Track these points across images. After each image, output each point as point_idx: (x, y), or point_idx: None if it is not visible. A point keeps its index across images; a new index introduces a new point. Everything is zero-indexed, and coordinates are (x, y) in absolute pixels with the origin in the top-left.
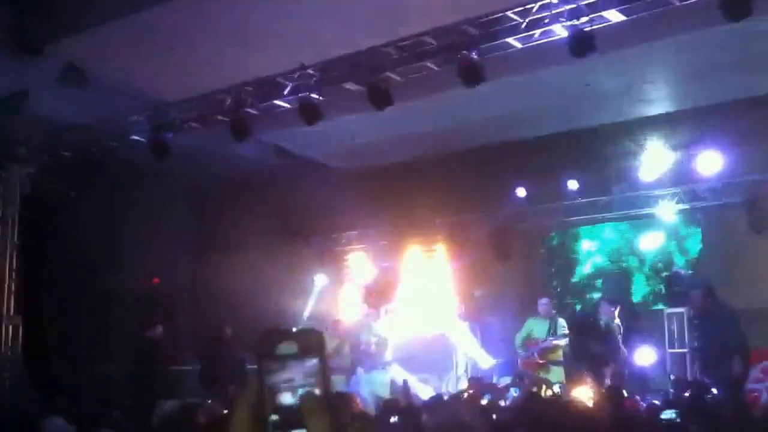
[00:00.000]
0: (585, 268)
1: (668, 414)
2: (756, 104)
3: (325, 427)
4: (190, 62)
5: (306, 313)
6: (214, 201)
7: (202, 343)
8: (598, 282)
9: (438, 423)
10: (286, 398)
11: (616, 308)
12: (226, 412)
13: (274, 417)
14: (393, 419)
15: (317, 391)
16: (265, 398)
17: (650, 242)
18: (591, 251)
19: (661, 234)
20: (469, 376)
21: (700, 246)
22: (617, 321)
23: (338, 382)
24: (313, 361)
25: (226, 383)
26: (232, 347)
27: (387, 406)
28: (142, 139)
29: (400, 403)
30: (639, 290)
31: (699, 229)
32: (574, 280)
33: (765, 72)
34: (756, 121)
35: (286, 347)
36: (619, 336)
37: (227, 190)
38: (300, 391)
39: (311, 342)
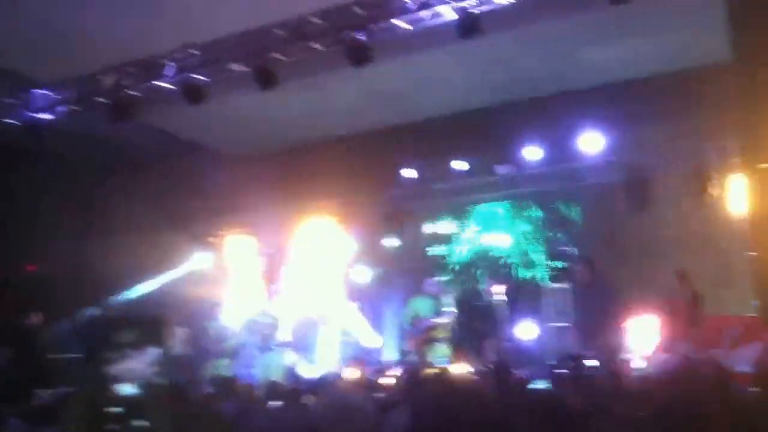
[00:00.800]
0: (472, 247)
1: (540, 384)
2: (635, 87)
3: (168, 418)
4: (68, 40)
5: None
6: (97, 185)
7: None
8: (485, 260)
9: (324, 404)
10: (127, 389)
11: (500, 286)
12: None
13: (116, 409)
14: (276, 403)
15: (160, 381)
16: (103, 389)
17: (534, 220)
18: (478, 231)
19: (543, 211)
20: (355, 356)
21: (581, 223)
22: (503, 298)
23: (224, 366)
24: (155, 351)
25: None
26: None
27: (270, 391)
28: (17, 122)
29: (284, 386)
30: (522, 266)
31: (579, 209)
32: (462, 259)
33: (644, 56)
34: (635, 104)
35: (124, 336)
36: (505, 312)
37: (111, 173)
38: (141, 382)
39: (150, 331)
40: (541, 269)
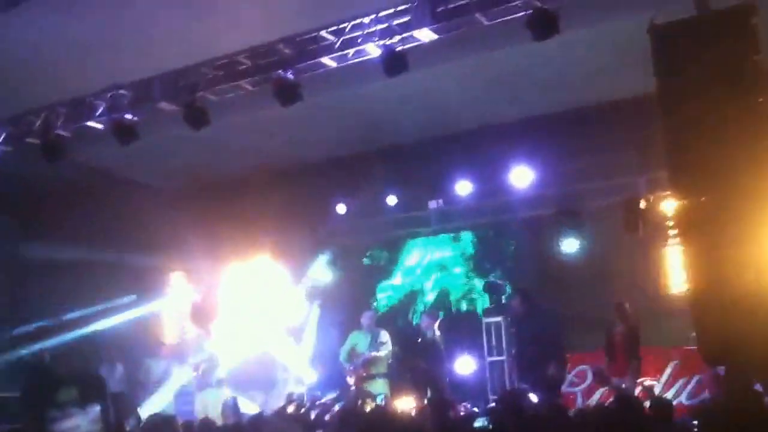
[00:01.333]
0: (406, 281)
1: (480, 422)
2: (565, 118)
3: None
4: None
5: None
6: (31, 221)
7: (21, 371)
8: (420, 294)
9: None
10: None
11: (436, 320)
12: None
13: None
14: None
15: None
16: None
17: (467, 253)
18: (412, 265)
19: (476, 245)
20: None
21: (513, 255)
22: (438, 333)
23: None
24: (96, 408)
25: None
26: (49, 375)
27: (203, 427)
28: None
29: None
30: (458, 301)
31: (512, 240)
32: (397, 293)
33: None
34: (565, 136)
35: (66, 393)
36: (442, 347)
37: (45, 210)
38: None
39: (92, 387)
40: (475, 302)
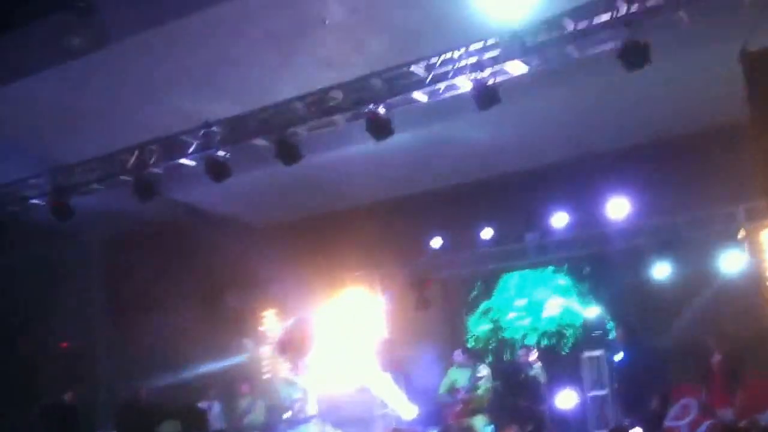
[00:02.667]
0: (502, 315)
1: None
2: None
3: None
4: (92, 122)
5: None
6: (125, 261)
7: (117, 407)
8: (516, 329)
9: None
10: None
11: (533, 354)
12: None
13: None
14: None
15: None
16: None
17: (565, 286)
18: (508, 298)
19: (573, 278)
20: (393, 428)
21: (611, 288)
22: (539, 367)
23: None
24: None
25: None
26: (147, 411)
27: None
28: (42, 203)
29: None
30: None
31: (610, 272)
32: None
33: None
34: (657, 165)
35: (169, 426)
36: (542, 382)
37: (139, 248)
38: None
39: (195, 421)
40: (575, 336)
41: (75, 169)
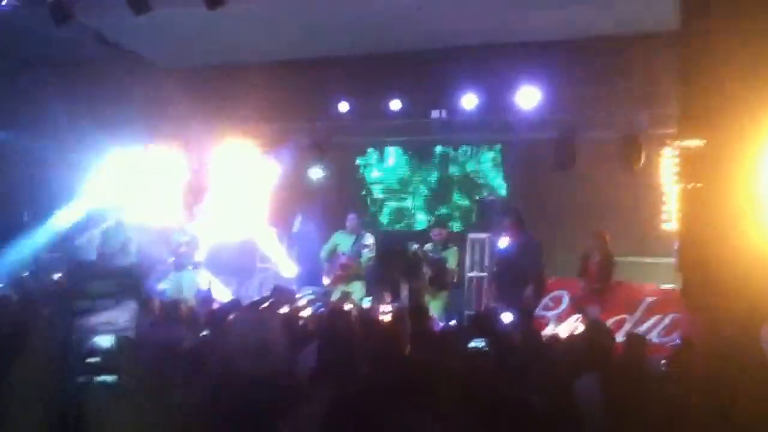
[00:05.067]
0: (395, 187)
1: (476, 343)
2: (578, 46)
3: (141, 374)
4: None
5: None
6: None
7: None
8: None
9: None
10: (105, 341)
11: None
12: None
13: (91, 359)
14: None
15: (132, 336)
16: (74, 340)
17: (455, 168)
18: (406, 173)
19: (472, 161)
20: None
21: (509, 176)
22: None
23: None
24: (133, 304)
25: None
26: None
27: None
28: None
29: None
30: (444, 215)
31: (510, 160)
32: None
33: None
34: (575, 64)
35: (101, 285)
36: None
37: (41, 73)
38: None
39: (131, 282)
40: (461, 218)
41: None
